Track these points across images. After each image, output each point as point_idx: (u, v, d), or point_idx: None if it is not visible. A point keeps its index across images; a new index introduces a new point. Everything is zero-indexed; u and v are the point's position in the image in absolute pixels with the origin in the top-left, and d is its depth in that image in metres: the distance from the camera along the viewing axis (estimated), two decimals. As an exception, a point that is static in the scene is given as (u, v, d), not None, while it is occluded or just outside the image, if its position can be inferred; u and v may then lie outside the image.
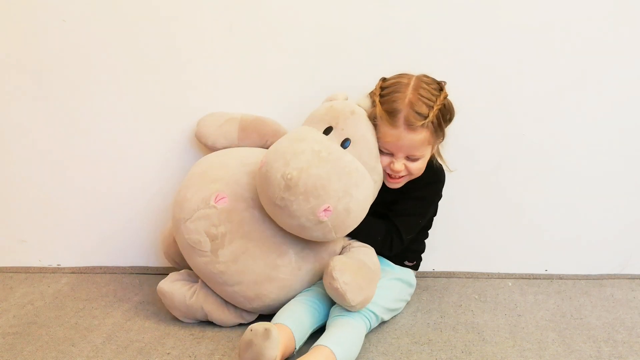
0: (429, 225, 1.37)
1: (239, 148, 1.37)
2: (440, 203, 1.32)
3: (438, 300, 1.38)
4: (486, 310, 1.33)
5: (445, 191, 1.42)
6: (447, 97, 1.20)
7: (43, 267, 1.64)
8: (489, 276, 1.49)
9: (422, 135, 1.15)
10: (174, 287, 1.27)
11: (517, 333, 1.22)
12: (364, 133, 1.18)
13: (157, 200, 1.54)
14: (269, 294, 1.21)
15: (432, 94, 1.17)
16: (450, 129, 1.41)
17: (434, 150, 1.24)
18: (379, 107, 1.17)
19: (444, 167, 1.30)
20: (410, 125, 1.14)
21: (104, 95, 1.51)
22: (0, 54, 1.52)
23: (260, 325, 1.02)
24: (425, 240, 1.39)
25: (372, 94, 1.22)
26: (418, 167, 1.20)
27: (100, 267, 1.61)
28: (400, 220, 1.26)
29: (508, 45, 1.38)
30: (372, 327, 1.21)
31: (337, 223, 1.13)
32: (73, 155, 1.56)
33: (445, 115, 1.19)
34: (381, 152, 1.20)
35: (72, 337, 1.26)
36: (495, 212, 1.48)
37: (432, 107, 1.15)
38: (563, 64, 1.38)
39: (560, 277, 1.48)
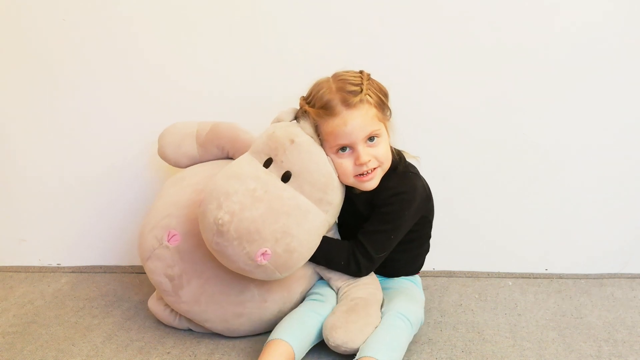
0: (426, 239, 1.29)
1: (197, 171, 1.29)
2: (440, 203, 1.32)
3: (438, 299, 1.38)
4: (486, 309, 1.33)
5: (445, 191, 1.42)
6: (370, 76, 1.16)
7: (43, 267, 1.64)
8: (489, 275, 1.49)
9: (365, 109, 1.10)
10: (158, 309, 1.28)
11: (517, 332, 1.22)
12: (305, 165, 1.10)
13: (157, 199, 1.54)
14: (240, 328, 1.19)
15: (354, 76, 1.13)
16: (451, 128, 1.43)
17: (389, 131, 1.17)
18: (313, 112, 1.12)
19: (415, 171, 1.22)
20: (349, 104, 1.09)
21: (104, 94, 1.51)
22: (1, 54, 1.52)
23: None
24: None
25: (300, 112, 1.16)
26: (384, 152, 1.13)
27: (100, 267, 1.61)
28: (367, 238, 1.16)
29: (508, 44, 1.38)
30: (415, 331, 1.16)
31: (279, 264, 1.07)
32: (73, 155, 1.56)
33: (378, 90, 1.14)
34: (340, 155, 1.13)
35: (72, 337, 1.26)
36: (495, 212, 1.48)
37: (361, 83, 1.12)
38: (564, 63, 1.38)
39: (561, 277, 1.48)
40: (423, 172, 1.23)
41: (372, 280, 1.21)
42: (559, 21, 1.36)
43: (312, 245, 1.12)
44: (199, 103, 1.49)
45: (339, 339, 1.08)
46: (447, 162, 1.45)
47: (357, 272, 1.18)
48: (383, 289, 1.22)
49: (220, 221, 1.04)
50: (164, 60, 1.47)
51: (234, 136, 1.29)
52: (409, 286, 1.26)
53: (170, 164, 1.37)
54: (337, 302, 1.18)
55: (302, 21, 1.41)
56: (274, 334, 1.09)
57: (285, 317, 1.15)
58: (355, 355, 1.06)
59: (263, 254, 1.05)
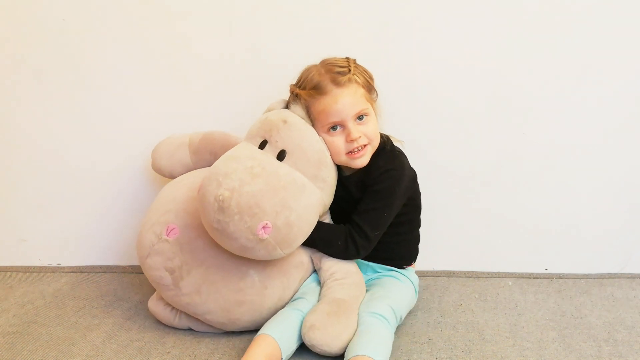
0: (415, 225, 1.31)
1: (192, 173, 1.33)
2: (440, 202, 1.32)
3: (438, 299, 1.38)
4: (486, 309, 1.33)
5: (445, 190, 1.43)
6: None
7: (43, 267, 1.64)
8: (489, 275, 1.49)
9: (353, 88, 1.16)
10: (158, 309, 1.28)
11: (517, 332, 1.22)
12: (298, 142, 1.15)
13: (157, 199, 1.54)
14: (241, 318, 1.19)
15: (341, 60, 1.20)
16: (451, 128, 1.43)
17: (376, 113, 1.22)
18: (304, 93, 1.17)
19: (400, 151, 1.25)
20: (338, 83, 1.15)
21: (104, 94, 1.51)
22: (1, 54, 1.52)
23: None
24: (423, 240, 1.35)
25: (290, 98, 1.21)
26: (373, 130, 1.18)
27: (100, 267, 1.61)
28: (361, 217, 1.20)
29: (508, 45, 1.38)
30: (394, 328, 1.17)
31: (280, 239, 1.09)
32: (73, 155, 1.56)
33: (364, 72, 1.20)
34: (331, 133, 1.17)
35: (72, 337, 1.26)
36: (495, 212, 1.48)
37: (349, 65, 1.18)
38: (563, 63, 1.38)
39: (560, 277, 1.48)
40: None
41: (358, 279, 1.22)
42: (558, 21, 1.36)
43: (310, 220, 1.14)
44: (199, 104, 1.49)
45: (315, 340, 1.09)
46: (447, 161, 1.45)
47: (355, 252, 1.21)
48: (367, 286, 1.24)
49: (221, 197, 1.07)
50: (165, 62, 1.47)
51: (226, 141, 1.33)
52: (393, 284, 1.26)
53: (165, 175, 1.40)
54: (319, 295, 1.19)
55: (300, 20, 1.41)
56: (261, 330, 1.12)
57: (273, 316, 1.17)
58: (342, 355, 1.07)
59: (264, 227, 1.08)
